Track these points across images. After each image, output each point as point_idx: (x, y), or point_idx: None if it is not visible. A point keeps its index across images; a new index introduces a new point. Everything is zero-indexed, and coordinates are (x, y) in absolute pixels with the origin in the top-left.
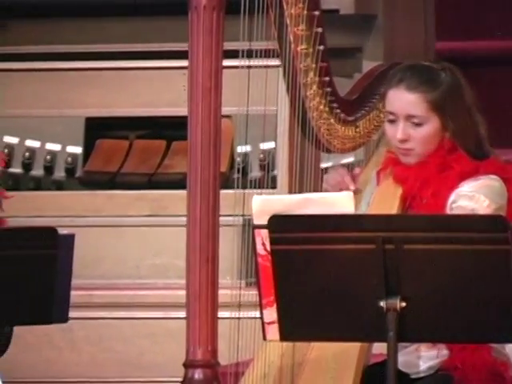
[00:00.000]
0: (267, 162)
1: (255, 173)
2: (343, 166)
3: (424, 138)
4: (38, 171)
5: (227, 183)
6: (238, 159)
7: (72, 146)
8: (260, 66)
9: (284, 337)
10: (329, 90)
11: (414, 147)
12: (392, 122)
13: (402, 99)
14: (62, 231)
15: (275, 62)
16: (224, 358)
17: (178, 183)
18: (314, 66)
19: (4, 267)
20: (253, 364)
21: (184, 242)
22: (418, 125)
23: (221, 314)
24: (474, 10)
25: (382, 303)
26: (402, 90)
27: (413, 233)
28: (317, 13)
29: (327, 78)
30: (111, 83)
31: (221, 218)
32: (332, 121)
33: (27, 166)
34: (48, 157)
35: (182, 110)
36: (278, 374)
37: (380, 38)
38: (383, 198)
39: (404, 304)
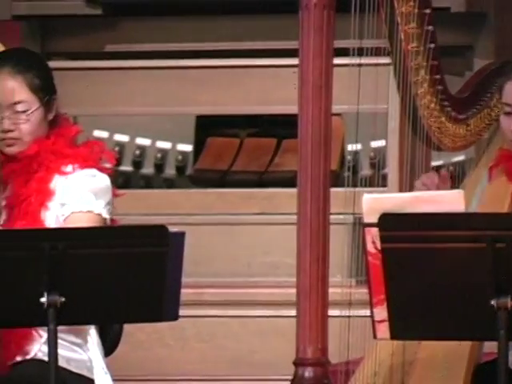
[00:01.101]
0: (377, 160)
1: (365, 171)
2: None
3: None
4: (148, 169)
5: (337, 181)
6: (349, 157)
7: (182, 144)
8: (371, 64)
9: (394, 335)
10: (440, 88)
11: None
12: (508, 113)
13: None
14: (173, 229)
15: (386, 60)
16: (334, 356)
17: (289, 181)
18: (424, 64)
19: (115, 265)
20: (363, 362)
21: (294, 240)
22: None
23: (331, 312)
24: None
25: (493, 302)
26: None
27: None
28: (428, 11)
29: (438, 76)
30: (222, 81)
31: (331, 217)
32: (443, 119)
33: (138, 164)
34: (158, 155)
35: (292, 108)
36: (389, 372)
37: (491, 36)
38: (494, 196)
39: None
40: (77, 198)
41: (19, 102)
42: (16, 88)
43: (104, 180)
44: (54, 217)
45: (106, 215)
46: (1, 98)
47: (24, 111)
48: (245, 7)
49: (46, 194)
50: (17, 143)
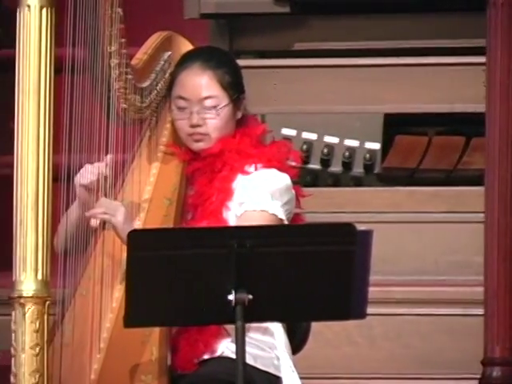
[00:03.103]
0: None
1: None
2: None
3: None
4: (336, 167)
5: None
6: None
7: (370, 142)
8: None
9: None
10: None
11: None
12: None
13: None
14: (361, 227)
15: None
16: None
17: (477, 180)
18: None
19: (303, 263)
20: None
21: (482, 238)
22: None
23: None
24: None
25: None
26: None
27: None
28: None
29: None
30: (410, 79)
31: None
32: None
33: (325, 162)
34: (346, 153)
35: (481, 107)
36: None
37: None
38: None
39: None
40: (252, 197)
41: (209, 97)
42: (207, 83)
43: (283, 180)
44: (234, 216)
45: (282, 216)
46: (191, 93)
47: (213, 107)
48: (433, 5)
49: (227, 194)
50: (204, 139)
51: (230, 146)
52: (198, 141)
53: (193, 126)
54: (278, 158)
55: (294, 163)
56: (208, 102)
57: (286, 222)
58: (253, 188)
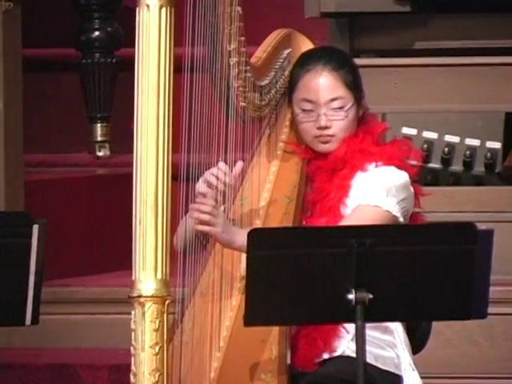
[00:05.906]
0: None
1: None
2: None
3: None
4: (457, 166)
5: None
6: None
7: (491, 141)
8: None
9: None
10: None
11: None
12: None
13: None
14: (481, 226)
15: None
16: None
17: None
18: None
19: (423, 262)
20: None
21: None
22: None
23: None
24: None
25: None
26: None
27: None
28: None
29: None
30: None
31: None
32: None
33: (446, 161)
34: (467, 152)
35: None
36: None
37: None
38: None
39: None
40: (367, 192)
41: (336, 99)
42: (332, 84)
43: (401, 177)
44: None
45: (396, 213)
46: (317, 95)
47: (340, 108)
48: None
49: (345, 191)
50: (331, 140)
51: (354, 146)
52: (325, 142)
53: (320, 128)
54: (398, 156)
55: (414, 162)
56: (335, 104)
57: (400, 220)
58: (369, 183)
